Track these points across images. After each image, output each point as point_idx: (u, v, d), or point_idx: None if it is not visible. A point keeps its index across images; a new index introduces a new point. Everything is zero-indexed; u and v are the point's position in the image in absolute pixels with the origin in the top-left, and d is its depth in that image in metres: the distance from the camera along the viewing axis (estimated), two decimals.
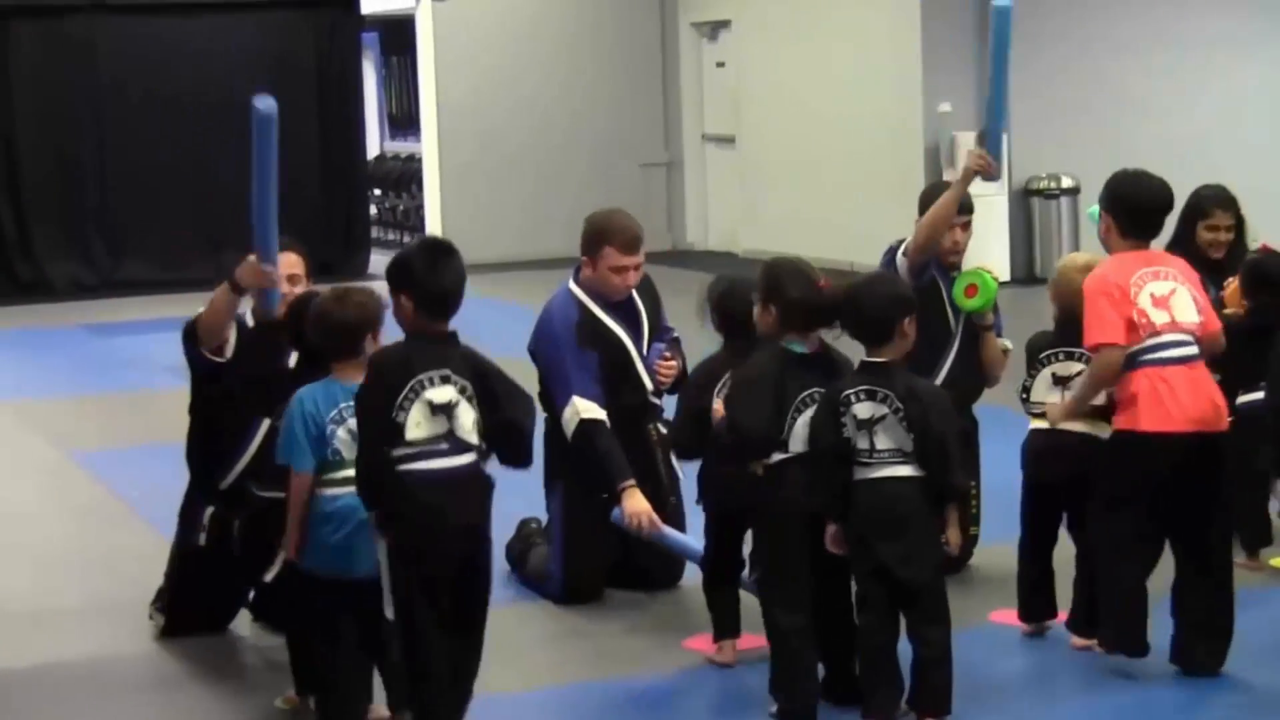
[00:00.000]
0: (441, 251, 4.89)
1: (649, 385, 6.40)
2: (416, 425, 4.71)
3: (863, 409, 5.03)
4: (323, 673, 4.94)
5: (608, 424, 6.19)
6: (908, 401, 5.00)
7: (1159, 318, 5.36)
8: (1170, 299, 5.39)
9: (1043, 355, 5.75)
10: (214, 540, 5.83)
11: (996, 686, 5.39)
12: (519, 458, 4.94)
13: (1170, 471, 5.31)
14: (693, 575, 6.42)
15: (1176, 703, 5.26)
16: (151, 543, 6.39)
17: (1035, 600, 5.84)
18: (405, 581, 4.73)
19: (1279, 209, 14.67)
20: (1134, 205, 5.51)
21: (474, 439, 4.79)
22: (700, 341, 5.96)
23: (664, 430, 6.40)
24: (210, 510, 5.85)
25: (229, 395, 5.73)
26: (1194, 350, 5.39)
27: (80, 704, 5.57)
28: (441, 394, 4.74)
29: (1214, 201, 6.84)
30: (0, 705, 5.59)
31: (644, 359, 6.40)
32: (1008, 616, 5.92)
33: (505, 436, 4.86)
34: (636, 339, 6.41)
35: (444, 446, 4.74)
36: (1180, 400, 5.30)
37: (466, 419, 4.77)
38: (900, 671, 5.06)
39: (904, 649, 5.08)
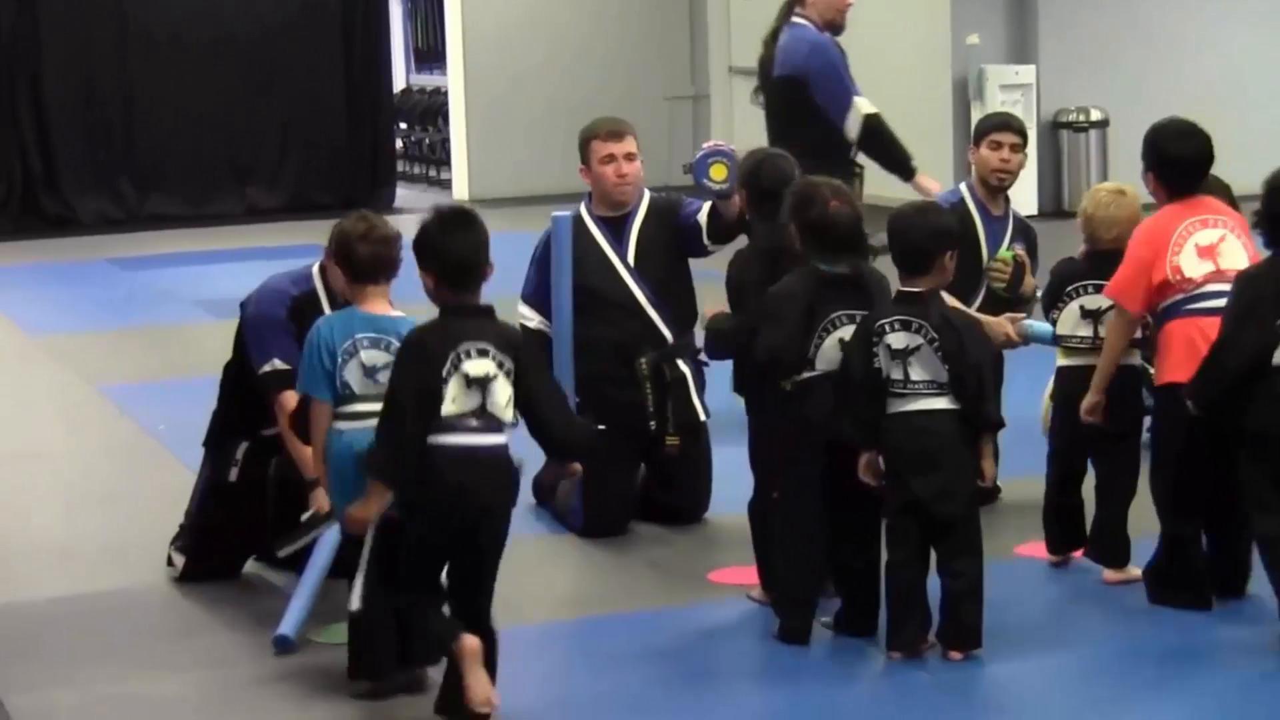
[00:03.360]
0: (456, 220, 4.76)
1: (644, 302, 6.38)
2: (453, 400, 4.61)
3: (897, 339, 5.01)
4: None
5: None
6: (943, 331, 4.98)
7: (1201, 269, 5.31)
8: (1218, 246, 5.33)
9: (1071, 287, 5.71)
10: (246, 477, 5.78)
11: (1024, 620, 5.38)
12: (546, 442, 4.81)
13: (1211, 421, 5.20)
14: (718, 509, 6.44)
15: (1212, 638, 5.25)
16: (181, 478, 6.41)
17: (1063, 533, 5.82)
18: (410, 548, 4.70)
19: None
20: (1174, 160, 5.44)
21: (507, 416, 4.68)
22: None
23: (665, 368, 6.37)
24: (245, 445, 5.81)
25: None
26: None
27: (109, 639, 5.60)
28: (479, 367, 4.62)
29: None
30: (30, 638, 5.63)
31: (634, 273, 6.42)
32: (1034, 549, 5.93)
33: (535, 427, 4.77)
34: (622, 257, 6.45)
35: (474, 423, 4.63)
36: None
37: (502, 395, 4.65)
38: (928, 606, 5.07)
39: (932, 585, 5.10)
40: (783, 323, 5.19)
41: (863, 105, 7.87)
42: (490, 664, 4.67)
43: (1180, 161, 5.46)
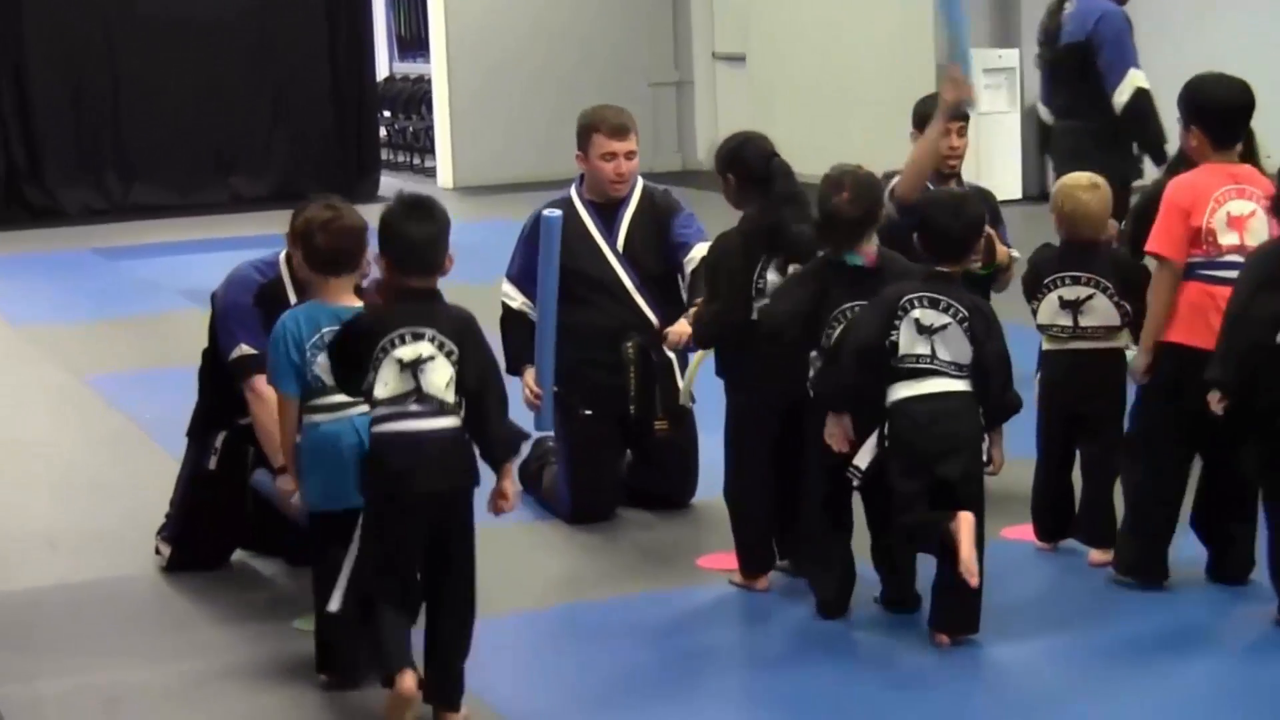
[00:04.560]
0: (416, 208, 4.65)
1: (631, 288, 6.39)
2: (384, 385, 4.55)
3: (926, 315, 5.03)
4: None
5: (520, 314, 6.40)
6: (974, 314, 5.02)
7: (1228, 239, 5.30)
8: (1248, 220, 5.32)
9: (1049, 279, 5.70)
10: (225, 464, 5.81)
11: (1011, 602, 5.39)
12: (477, 433, 4.65)
13: (1201, 389, 5.18)
14: (704, 495, 6.45)
15: (1196, 617, 5.28)
16: (168, 467, 6.42)
17: (1054, 521, 5.84)
18: (367, 549, 4.63)
19: None
20: (1224, 109, 5.41)
21: (449, 397, 4.56)
22: None
23: (648, 351, 6.35)
24: (224, 434, 5.83)
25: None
26: None
27: (96, 629, 5.61)
28: (410, 351, 4.54)
29: None
30: (17, 628, 5.64)
31: (624, 261, 6.41)
32: (1021, 532, 5.94)
33: (469, 406, 4.63)
34: (611, 244, 6.44)
35: (413, 407, 4.54)
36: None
37: (439, 377, 4.55)
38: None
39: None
40: (790, 298, 5.28)
41: (1138, 78, 8.33)
42: (461, 648, 4.60)
43: (1222, 107, 5.41)
